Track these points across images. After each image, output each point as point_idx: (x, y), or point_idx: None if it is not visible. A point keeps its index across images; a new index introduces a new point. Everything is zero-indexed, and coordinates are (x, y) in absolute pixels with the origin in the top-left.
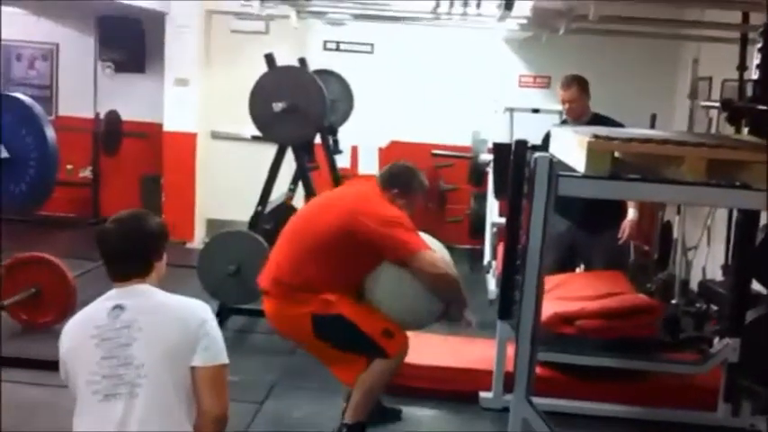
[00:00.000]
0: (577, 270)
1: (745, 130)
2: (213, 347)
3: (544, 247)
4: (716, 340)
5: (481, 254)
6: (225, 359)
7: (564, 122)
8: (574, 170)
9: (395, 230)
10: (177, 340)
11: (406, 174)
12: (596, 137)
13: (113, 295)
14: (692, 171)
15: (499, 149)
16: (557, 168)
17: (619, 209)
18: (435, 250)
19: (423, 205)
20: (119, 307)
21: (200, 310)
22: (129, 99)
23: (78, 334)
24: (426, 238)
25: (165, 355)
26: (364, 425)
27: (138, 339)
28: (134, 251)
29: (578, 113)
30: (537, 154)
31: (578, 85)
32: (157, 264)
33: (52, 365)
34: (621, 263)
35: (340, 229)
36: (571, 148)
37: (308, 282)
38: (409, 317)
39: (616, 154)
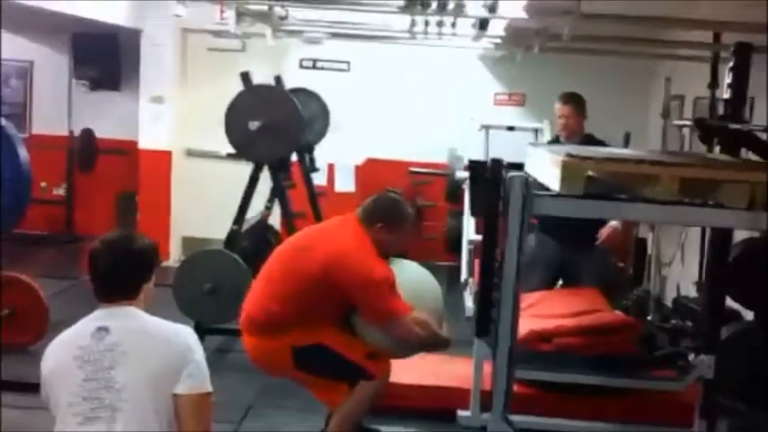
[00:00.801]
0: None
1: (717, 148)
2: (197, 375)
3: (520, 264)
4: (691, 356)
5: (458, 270)
6: (209, 387)
7: (556, 140)
8: (549, 189)
9: (377, 294)
10: (161, 365)
11: (390, 206)
12: (571, 156)
13: (98, 316)
14: (666, 190)
15: (475, 167)
16: (532, 187)
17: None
18: (414, 309)
19: (410, 236)
20: (103, 329)
21: (187, 336)
22: (104, 116)
23: (61, 355)
24: (409, 272)
25: (148, 380)
26: None
27: (120, 363)
28: (122, 272)
29: (572, 131)
30: (512, 173)
31: (575, 102)
32: (146, 286)
33: (28, 387)
34: (610, 280)
35: (319, 279)
36: (546, 166)
37: (285, 319)
38: (399, 351)
39: (591, 173)
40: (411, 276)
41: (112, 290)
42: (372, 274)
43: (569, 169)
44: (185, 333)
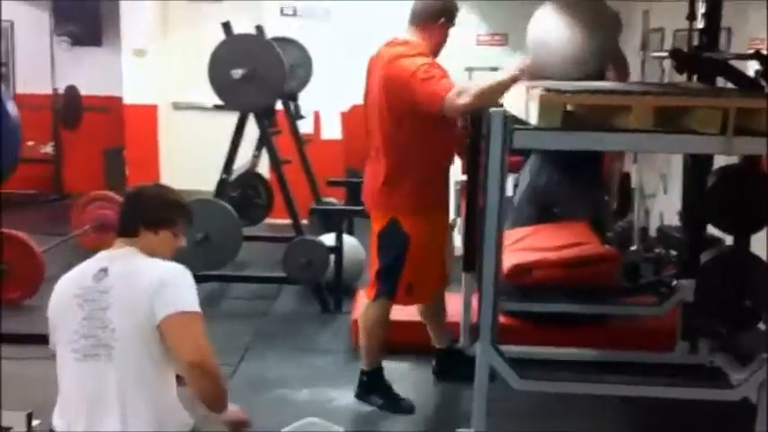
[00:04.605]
0: None
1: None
2: (171, 299)
3: (502, 198)
4: (673, 283)
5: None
6: (189, 307)
7: None
8: (528, 124)
9: (414, 85)
10: (145, 308)
11: (419, 2)
12: (548, 90)
13: (102, 256)
14: (639, 119)
15: None
16: (511, 122)
17: (598, 162)
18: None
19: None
20: (103, 270)
21: (164, 271)
22: (87, 73)
23: (64, 293)
24: None
25: (135, 322)
26: (380, 368)
27: (112, 305)
28: (133, 209)
29: None
30: (492, 109)
31: None
32: (161, 232)
33: (24, 339)
34: (602, 215)
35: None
36: (525, 102)
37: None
38: None
39: (568, 107)
40: None
41: (122, 225)
42: (407, 68)
43: (546, 103)
44: (165, 268)
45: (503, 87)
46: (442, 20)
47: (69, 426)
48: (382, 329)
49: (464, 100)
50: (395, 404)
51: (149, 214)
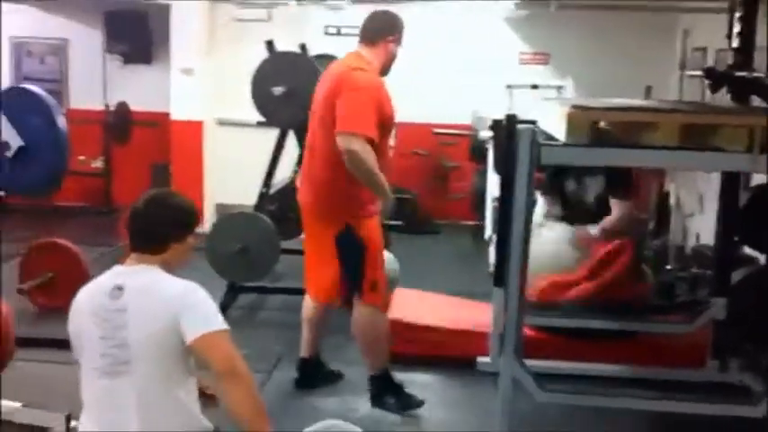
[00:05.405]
0: None
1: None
2: (197, 320)
3: (529, 214)
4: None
5: (483, 230)
6: (219, 326)
7: None
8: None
9: (351, 100)
10: (161, 326)
11: (393, 18)
12: (576, 107)
13: (118, 272)
14: (665, 136)
15: (498, 126)
16: (540, 138)
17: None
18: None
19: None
20: (119, 288)
21: (182, 289)
22: (137, 90)
23: (82, 311)
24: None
25: (151, 340)
26: (387, 370)
27: (129, 324)
28: (145, 223)
29: None
30: (520, 125)
31: None
32: (174, 245)
33: (67, 344)
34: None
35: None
36: (554, 119)
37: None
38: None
39: (595, 122)
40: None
41: (135, 240)
42: (356, 81)
43: (574, 120)
44: (182, 287)
45: (377, 183)
46: (390, 38)
47: None
48: (377, 330)
49: (356, 156)
50: (407, 401)
51: (161, 231)
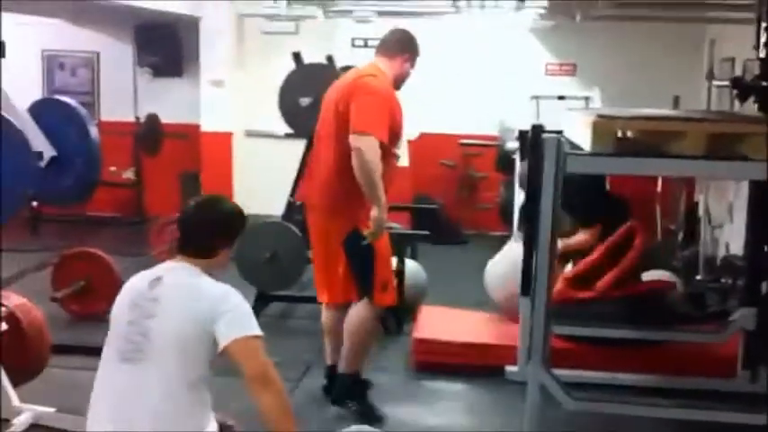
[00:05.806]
0: None
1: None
2: (233, 324)
3: (556, 223)
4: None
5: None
6: (254, 331)
7: None
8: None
9: (365, 103)
10: (189, 324)
11: (410, 38)
12: (601, 116)
13: (164, 267)
14: (692, 145)
15: (524, 137)
16: (565, 148)
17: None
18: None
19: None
20: (159, 279)
21: (221, 292)
22: (167, 102)
23: (124, 296)
24: None
25: (174, 335)
26: (359, 374)
27: (158, 314)
28: (193, 230)
29: None
30: (546, 135)
31: None
32: (222, 251)
33: (99, 351)
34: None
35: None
36: (580, 128)
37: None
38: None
39: (622, 133)
40: None
41: (185, 245)
42: (370, 85)
43: (599, 129)
44: (222, 292)
45: (374, 185)
46: (406, 55)
47: (93, 418)
48: (367, 334)
49: (362, 154)
50: (369, 412)
51: (211, 238)
